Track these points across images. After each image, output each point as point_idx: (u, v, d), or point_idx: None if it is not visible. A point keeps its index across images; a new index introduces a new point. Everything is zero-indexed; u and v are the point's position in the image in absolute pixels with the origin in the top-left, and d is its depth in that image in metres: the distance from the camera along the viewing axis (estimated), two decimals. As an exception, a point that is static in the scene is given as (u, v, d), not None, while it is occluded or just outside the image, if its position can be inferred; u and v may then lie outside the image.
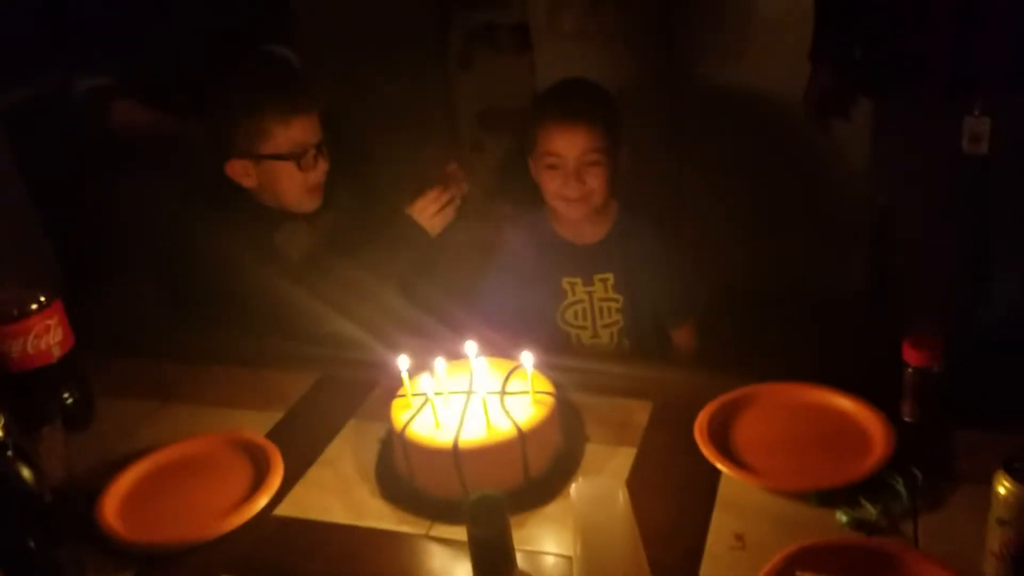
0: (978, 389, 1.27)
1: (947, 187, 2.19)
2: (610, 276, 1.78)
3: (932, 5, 2.05)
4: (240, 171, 1.71)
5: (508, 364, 1.30)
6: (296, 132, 1.70)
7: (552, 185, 1.72)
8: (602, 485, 0.84)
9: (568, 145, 1.69)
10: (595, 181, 1.70)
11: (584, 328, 1.81)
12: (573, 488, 0.84)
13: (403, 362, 1.25)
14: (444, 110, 3.47)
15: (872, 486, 1.13)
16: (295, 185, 1.72)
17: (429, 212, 1.73)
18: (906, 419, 1.24)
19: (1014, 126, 1.97)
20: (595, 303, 1.80)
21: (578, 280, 1.79)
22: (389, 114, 3.37)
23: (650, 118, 2.91)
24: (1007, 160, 2.00)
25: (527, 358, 1.23)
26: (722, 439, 1.25)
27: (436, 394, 1.23)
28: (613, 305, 1.79)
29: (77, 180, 2.41)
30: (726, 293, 2.15)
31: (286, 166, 1.70)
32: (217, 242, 1.69)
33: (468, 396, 1.24)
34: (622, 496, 0.83)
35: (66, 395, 1.42)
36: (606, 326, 1.81)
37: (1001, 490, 0.94)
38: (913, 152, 2.22)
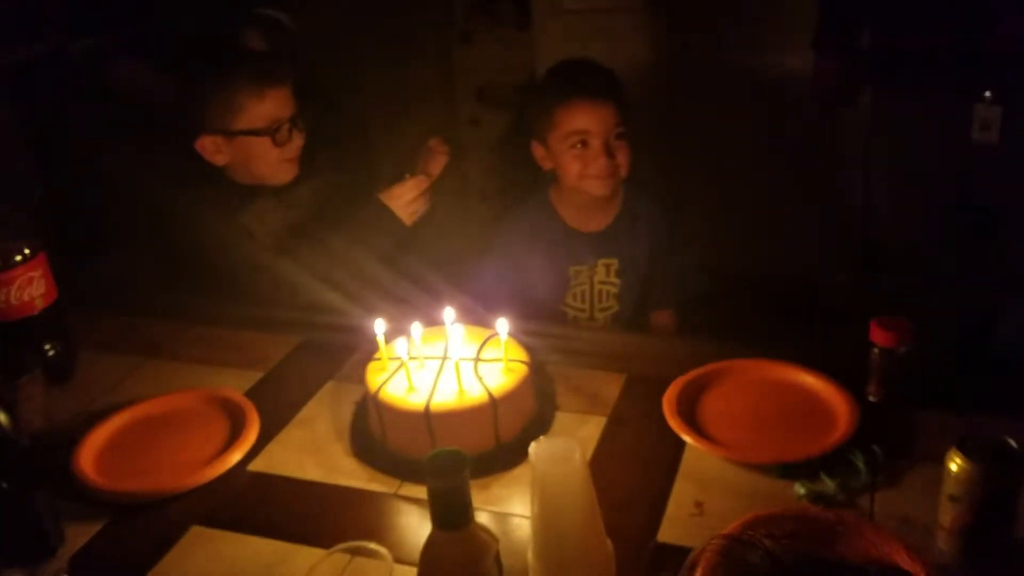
0: (945, 371, 1.29)
1: (953, 177, 2.21)
2: (615, 261, 1.80)
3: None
4: (211, 148, 1.69)
5: (485, 332, 1.32)
6: (270, 106, 1.68)
7: (578, 165, 1.71)
8: (560, 444, 0.86)
9: (597, 121, 1.69)
10: (623, 156, 1.72)
11: (582, 311, 1.83)
12: (532, 447, 0.86)
13: (379, 326, 1.27)
14: (443, 84, 3.46)
15: (832, 462, 1.15)
16: (270, 161, 1.70)
17: (404, 201, 1.71)
18: (870, 399, 1.26)
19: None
20: (595, 286, 1.81)
21: (584, 267, 1.80)
22: (385, 87, 3.37)
23: (650, 100, 2.92)
24: (1019, 147, 1.99)
25: (501, 325, 1.25)
26: (690, 412, 1.28)
27: (411, 358, 1.26)
28: (611, 290, 1.81)
29: (72, 142, 2.43)
30: (713, 275, 2.17)
31: (261, 141, 1.68)
32: (189, 219, 1.68)
33: (443, 361, 1.26)
34: (579, 455, 0.85)
35: (48, 347, 1.44)
36: (603, 310, 1.82)
37: (953, 467, 0.96)
38: (917, 141, 2.23)
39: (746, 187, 2.87)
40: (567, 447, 0.86)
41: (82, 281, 1.82)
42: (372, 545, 0.93)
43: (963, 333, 2.09)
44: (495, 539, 0.88)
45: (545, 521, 0.88)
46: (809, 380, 1.31)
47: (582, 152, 1.69)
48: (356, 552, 0.95)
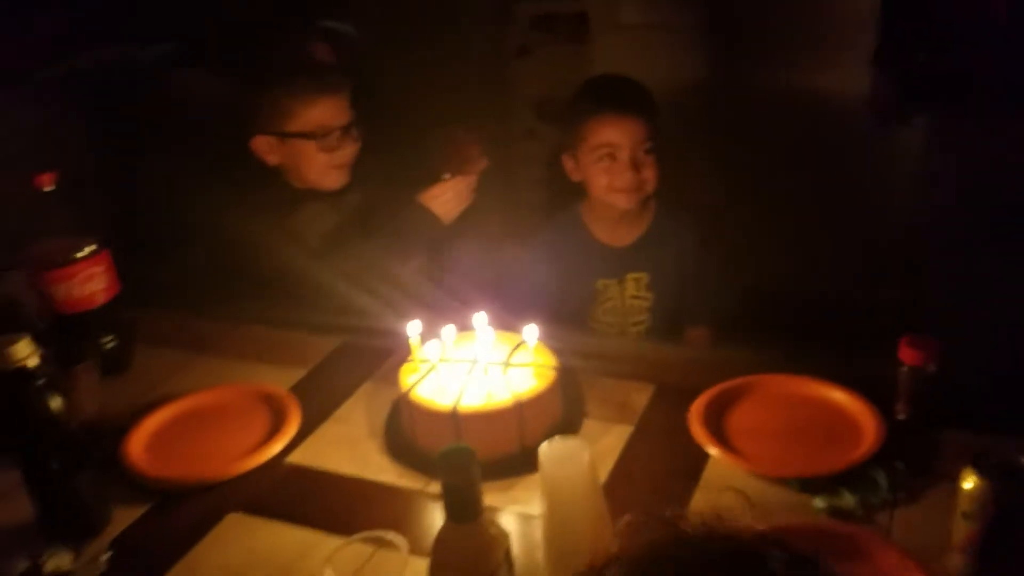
0: (976, 393, 1.28)
1: (1005, 204, 2.18)
2: (644, 275, 1.81)
3: (997, 12, 2.04)
4: (265, 147, 1.76)
5: (516, 337, 1.35)
6: (321, 113, 1.74)
7: (605, 178, 1.73)
8: (568, 445, 0.89)
9: (625, 135, 1.71)
10: (650, 171, 1.73)
11: (613, 325, 1.85)
12: (541, 448, 0.89)
13: (413, 328, 1.31)
14: (498, 96, 3.51)
15: (854, 477, 1.15)
16: (318, 165, 1.76)
17: (443, 199, 1.74)
18: (899, 417, 1.26)
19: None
20: (626, 300, 1.83)
21: (612, 281, 1.82)
22: (443, 98, 3.43)
23: (704, 117, 2.93)
24: None
25: (530, 331, 1.29)
26: (716, 424, 1.29)
27: (443, 361, 1.30)
28: (643, 304, 1.82)
29: (139, 146, 2.54)
30: (752, 294, 2.17)
31: (310, 145, 1.74)
32: (241, 219, 1.75)
33: (473, 364, 1.30)
34: (586, 456, 0.88)
35: (107, 339, 1.52)
36: (634, 324, 1.84)
37: (966, 485, 0.97)
38: (970, 168, 2.21)
39: (791, 205, 2.86)
40: (575, 448, 0.90)
41: (146, 280, 1.91)
42: (390, 535, 0.97)
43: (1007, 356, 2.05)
44: (505, 534, 0.91)
45: (553, 520, 0.91)
46: (838, 396, 1.31)
47: (609, 166, 1.72)
48: (375, 541, 1.00)
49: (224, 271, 1.92)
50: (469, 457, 0.86)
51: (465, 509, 0.87)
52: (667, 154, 1.78)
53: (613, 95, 1.75)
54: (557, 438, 0.93)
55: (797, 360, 1.42)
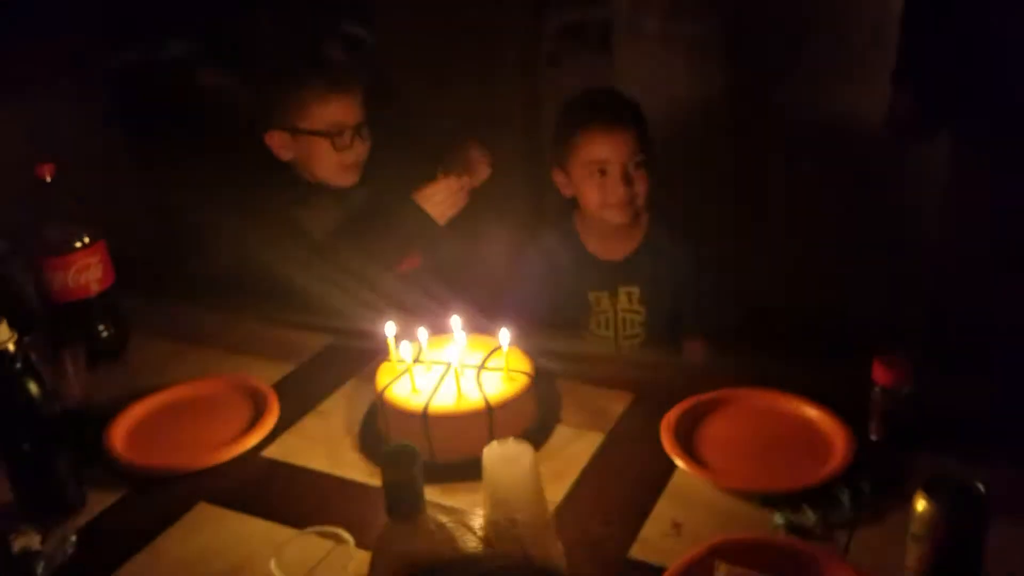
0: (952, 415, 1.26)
1: None
2: (635, 289, 1.81)
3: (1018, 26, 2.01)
4: (278, 142, 1.80)
5: (494, 341, 1.36)
6: (333, 111, 1.77)
7: (597, 193, 1.73)
8: (511, 447, 0.89)
9: (615, 149, 1.70)
10: (641, 184, 1.73)
11: (607, 338, 1.85)
12: (485, 450, 0.90)
13: (390, 328, 1.33)
14: (527, 103, 3.53)
15: (818, 495, 1.14)
16: (329, 162, 1.79)
17: (437, 199, 1.75)
18: (872, 437, 1.25)
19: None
20: (619, 313, 1.82)
21: (604, 293, 1.82)
22: (471, 103, 3.46)
23: (722, 128, 2.92)
24: None
25: (503, 335, 1.30)
26: (688, 435, 1.29)
27: (418, 362, 1.31)
28: (636, 317, 1.82)
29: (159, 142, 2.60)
30: (757, 307, 2.16)
31: (321, 142, 1.77)
32: (250, 210, 1.78)
33: (448, 367, 1.31)
34: (529, 458, 0.89)
35: (101, 328, 1.56)
36: (628, 337, 1.83)
37: (918, 507, 0.95)
38: (993, 188, 2.18)
39: (808, 219, 2.84)
40: (518, 450, 0.90)
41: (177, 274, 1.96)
42: (338, 530, 0.99)
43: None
44: (450, 536, 0.92)
45: (495, 521, 0.92)
46: (812, 413, 1.30)
47: (601, 181, 1.71)
48: (324, 536, 1.01)
49: (239, 264, 1.96)
50: (411, 455, 0.87)
51: (404, 506, 0.88)
52: (657, 167, 1.78)
53: (602, 109, 1.75)
54: (499, 441, 0.93)
55: (781, 374, 1.41)
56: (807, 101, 2.77)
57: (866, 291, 2.81)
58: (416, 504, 0.89)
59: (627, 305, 1.80)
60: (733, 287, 1.92)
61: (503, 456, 0.89)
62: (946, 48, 2.19)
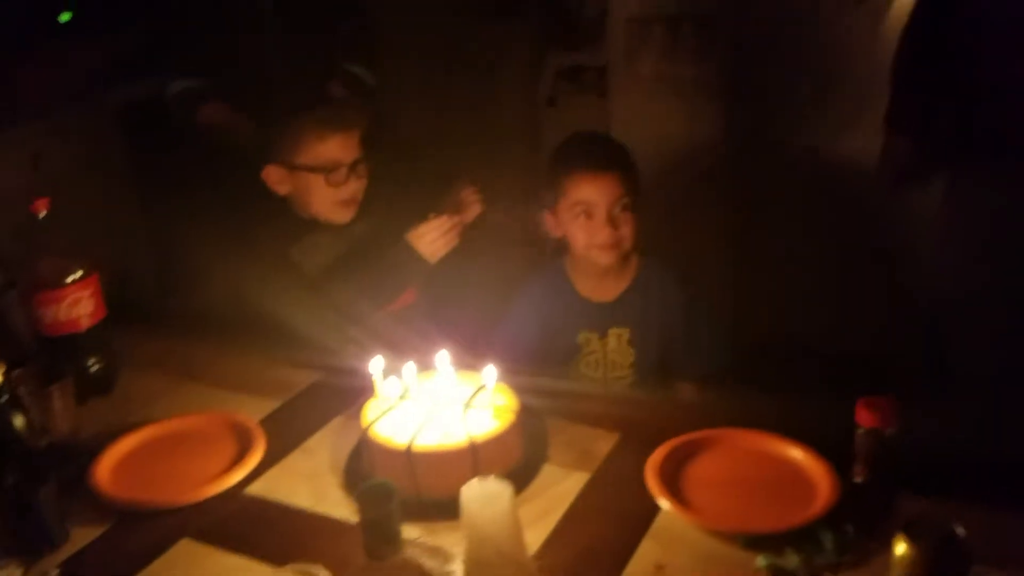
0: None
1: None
2: (626, 331, 1.81)
3: (1018, 75, 2.03)
4: (275, 177, 1.83)
5: (481, 379, 1.36)
6: (329, 147, 1.79)
7: (583, 235, 1.74)
8: (491, 487, 0.89)
9: (600, 192, 1.72)
10: (627, 227, 1.74)
11: (597, 379, 1.84)
12: (463, 489, 0.90)
13: (376, 365, 1.33)
14: (527, 144, 3.57)
15: (801, 537, 1.14)
16: (324, 198, 1.82)
17: (428, 239, 1.76)
18: (856, 480, 1.24)
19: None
20: (608, 354, 1.83)
21: (594, 334, 1.82)
22: (470, 142, 3.50)
23: (716, 171, 2.95)
24: None
25: (489, 372, 1.30)
26: (674, 475, 1.28)
27: (403, 399, 1.31)
28: (626, 359, 1.82)
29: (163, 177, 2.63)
30: (761, 349, 2.15)
31: (316, 178, 1.80)
32: (247, 245, 1.80)
33: (434, 404, 1.31)
34: (507, 498, 0.89)
35: (91, 362, 1.57)
36: (617, 379, 1.83)
37: (898, 550, 0.95)
38: (988, 230, 2.19)
39: (802, 261, 2.85)
40: (497, 489, 0.90)
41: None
42: (317, 567, 0.98)
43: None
44: (427, 574, 0.92)
45: (473, 560, 0.91)
46: (797, 454, 1.30)
47: (587, 223, 1.73)
48: (303, 573, 1.01)
49: (232, 299, 1.97)
50: (388, 493, 0.87)
51: (381, 544, 0.88)
52: (646, 210, 1.79)
53: (589, 153, 1.77)
54: (479, 479, 0.93)
55: (767, 414, 1.41)
56: (802, 143, 2.80)
57: (862, 330, 2.82)
58: (393, 542, 0.89)
59: (617, 347, 1.80)
60: (726, 328, 1.91)
61: (482, 494, 0.89)
62: (937, 94, 2.22)
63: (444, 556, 1.13)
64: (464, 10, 3.43)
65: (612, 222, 1.71)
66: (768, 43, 2.78)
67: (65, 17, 3.25)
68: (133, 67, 2.91)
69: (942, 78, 2.19)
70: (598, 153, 1.77)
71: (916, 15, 2.24)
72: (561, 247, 1.85)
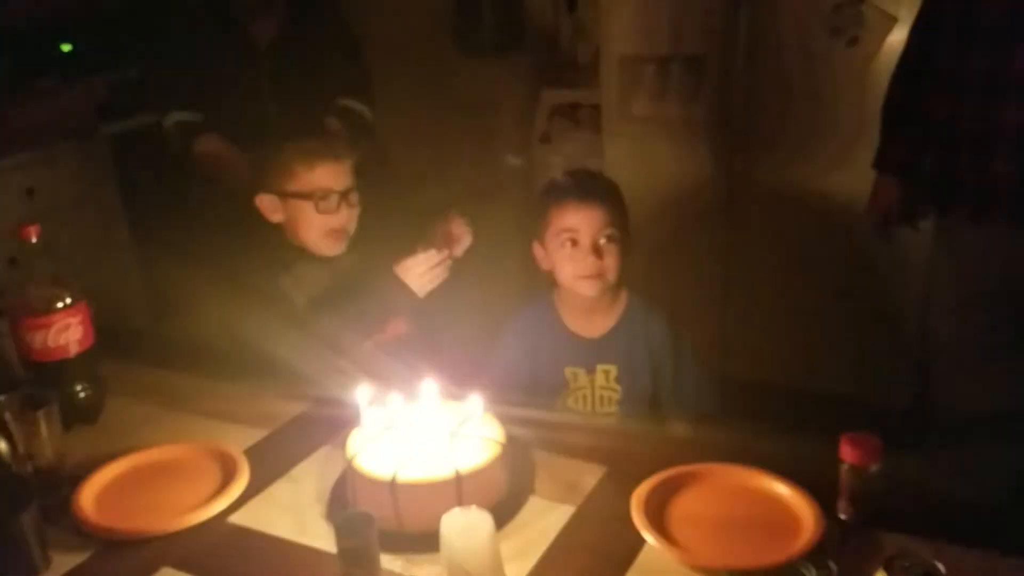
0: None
1: (1014, 313, 2.16)
2: (613, 368, 1.82)
3: (1004, 120, 2.05)
4: (268, 205, 1.86)
5: (467, 410, 1.36)
6: (319, 176, 1.82)
7: (569, 265, 1.76)
8: (472, 515, 0.89)
9: (585, 220, 1.74)
10: (611, 258, 1.75)
11: (584, 414, 1.84)
12: (443, 519, 0.89)
13: (362, 394, 1.33)
14: (522, 179, 3.60)
15: (785, 573, 1.13)
16: (315, 226, 1.84)
17: (416, 272, 1.78)
18: (840, 516, 1.24)
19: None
20: (596, 391, 1.83)
21: (581, 370, 1.83)
22: (467, 177, 3.53)
23: (706, 210, 2.97)
24: None
25: (475, 403, 1.30)
26: (659, 510, 1.28)
27: (388, 429, 1.31)
28: (613, 395, 1.82)
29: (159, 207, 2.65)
30: (751, 389, 2.15)
31: (307, 206, 1.82)
32: (240, 274, 1.81)
33: (419, 434, 1.31)
34: (487, 528, 0.88)
35: (79, 388, 1.56)
36: (604, 416, 1.83)
37: (878, 587, 0.95)
38: (977, 272, 2.20)
39: (793, 301, 2.87)
40: (478, 519, 0.90)
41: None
42: (296, 598, 0.98)
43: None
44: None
45: (453, 591, 0.91)
46: (782, 490, 1.30)
47: (572, 252, 1.74)
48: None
49: (225, 328, 1.98)
50: (366, 522, 0.87)
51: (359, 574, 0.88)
52: (635, 249, 1.81)
53: (577, 183, 1.80)
54: (460, 509, 0.93)
55: (753, 450, 1.41)
56: (791, 183, 2.83)
57: (849, 368, 2.83)
58: (372, 573, 0.88)
59: (604, 383, 1.81)
60: (715, 377, 1.91)
61: (462, 524, 0.89)
62: (927, 136, 2.24)
63: (425, 588, 1.13)
64: (461, 48, 3.48)
65: (596, 251, 1.72)
66: (758, 84, 2.82)
67: (66, 47, 3.30)
68: (129, 101, 2.95)
69: (931, 120, 2.21)
70: (586, 184, 1.79)
71: (906, 57, 2.28)
72: (551, 281, 1.86)
